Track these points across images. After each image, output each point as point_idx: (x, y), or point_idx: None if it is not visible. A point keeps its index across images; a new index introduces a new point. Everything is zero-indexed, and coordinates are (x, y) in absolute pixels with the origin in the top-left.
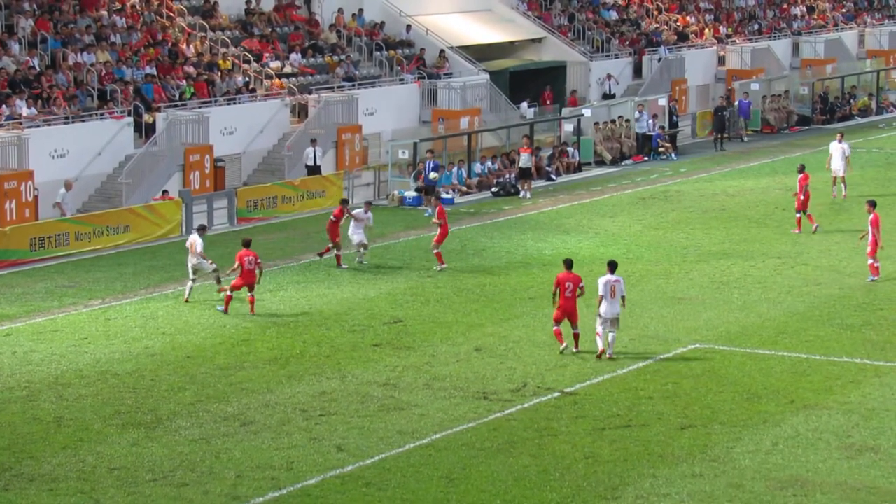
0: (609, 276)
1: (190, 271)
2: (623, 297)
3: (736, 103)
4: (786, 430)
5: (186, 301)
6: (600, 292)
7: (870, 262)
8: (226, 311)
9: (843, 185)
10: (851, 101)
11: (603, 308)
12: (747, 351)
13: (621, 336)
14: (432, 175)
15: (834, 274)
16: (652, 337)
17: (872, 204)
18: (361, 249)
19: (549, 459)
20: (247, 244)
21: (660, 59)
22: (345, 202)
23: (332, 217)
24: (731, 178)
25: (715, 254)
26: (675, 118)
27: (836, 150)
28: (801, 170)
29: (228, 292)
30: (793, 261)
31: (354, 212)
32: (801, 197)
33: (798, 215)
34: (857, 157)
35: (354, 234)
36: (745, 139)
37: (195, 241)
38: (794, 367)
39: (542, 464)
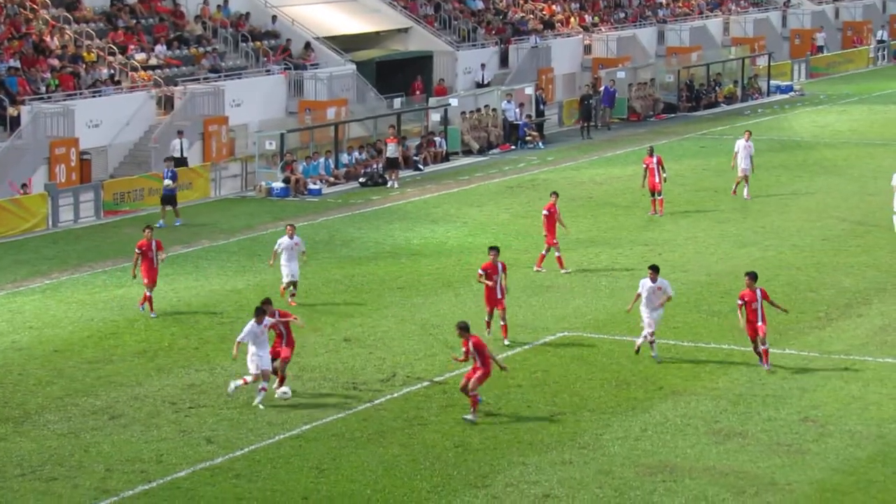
0: (654, 281)
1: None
2: (669, 298)
3: (601, 90)
4: (655, 416)
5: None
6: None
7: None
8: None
9: (745, 185)
10: (717, 88)
11: (652, 311)
12: (616, 338)
13: (494, 325)
14: (167, 183)
15: (701, 260)
16: (520, 325)
17: (754, 277)
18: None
19: (419, 449)
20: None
21: (534, 46)
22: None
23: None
24: (598, 167)
25: (582, 241)
26: (541, 107)
27: (743, 148)
28: (651, 152)
29: None
30: (660, 248)
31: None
32: (656, 179)
33: (652, 197)
34: (724, 144)
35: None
36: (611, 127)
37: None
38: (662, 354)
39: (412, 453)
